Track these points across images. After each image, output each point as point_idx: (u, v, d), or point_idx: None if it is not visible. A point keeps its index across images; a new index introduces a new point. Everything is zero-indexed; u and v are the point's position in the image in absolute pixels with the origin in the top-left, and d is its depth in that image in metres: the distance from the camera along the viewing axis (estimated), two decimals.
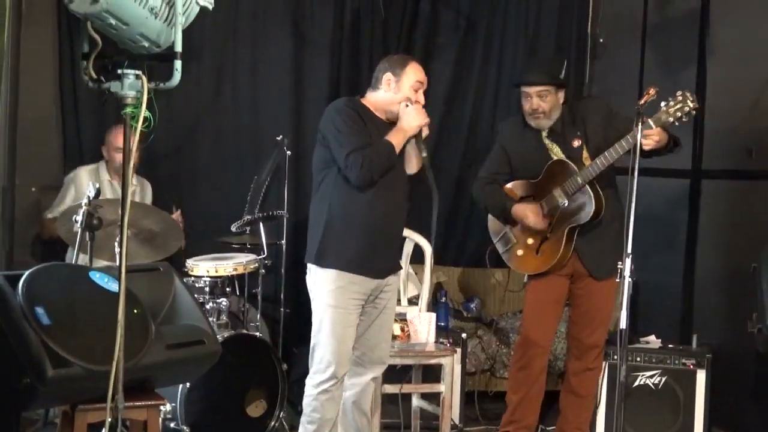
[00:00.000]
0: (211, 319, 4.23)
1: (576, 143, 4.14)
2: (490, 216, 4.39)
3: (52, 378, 2.62)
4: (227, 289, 4.63)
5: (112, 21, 2.41)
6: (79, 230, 3.62)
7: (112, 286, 2.90)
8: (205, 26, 5.25)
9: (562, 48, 5.88)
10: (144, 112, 2.53)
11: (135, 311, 2.87)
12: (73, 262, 3.90)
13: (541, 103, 4.14)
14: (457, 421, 4.54)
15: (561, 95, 4.20)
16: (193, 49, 5.13)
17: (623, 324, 3.33)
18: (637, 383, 4.43)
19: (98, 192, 3.70)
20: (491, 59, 5.91)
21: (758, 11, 4.79)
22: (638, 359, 4.45)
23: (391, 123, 3.70)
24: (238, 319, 4.80)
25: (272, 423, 4.34)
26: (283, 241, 4.97)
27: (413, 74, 3.71)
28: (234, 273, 4.55)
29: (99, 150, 4.87)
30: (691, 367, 4.40)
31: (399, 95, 3.69)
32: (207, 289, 4.46)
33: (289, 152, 5.02)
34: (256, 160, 5.35)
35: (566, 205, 4.10)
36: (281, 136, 5.04)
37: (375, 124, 3.69)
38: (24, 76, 4.80)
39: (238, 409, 4.24)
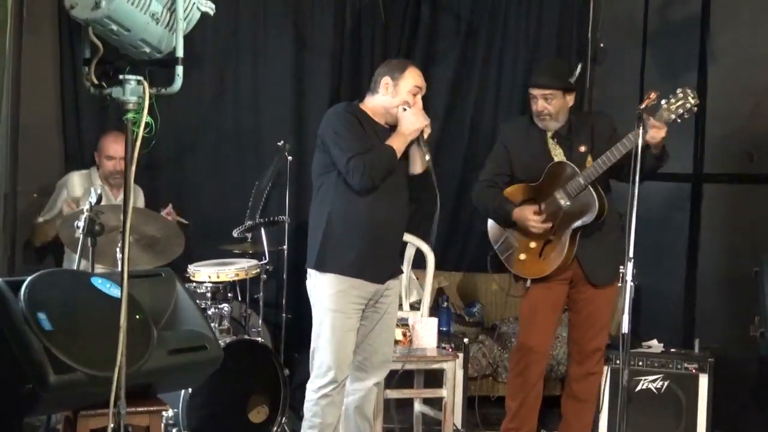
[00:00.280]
0: (212, 324, 4.23)
1: (582, 149, 4.13)
2: (490, 222, 4.37)
3: (54, 384, 2.62)
4: (229, 294, 4.64)
5: (114, 27, 2.42)
6: (81, 236, 3.63)
7: (114, 291, 2.90)
8: (206, 32, 5.25)
9: (562, 53, 5.89)
10: (145, 117, 2.53)
11: (137, 317, 2.87)
12: (75, 268, 3.90)
13: (547, 105, 4.14)
14: (459, 426, 4.54)
15: (569, 98, 4.18)
16: (194, 55, 5.13)
17: (625, 328, 3.33)
18: (639, 388, 4.43)
19: (100, 198, 3.70)
20: (492, 64, 5.91)
21: (758, 16, 4.79)
22: (640, 364, 4.44)
23: (391, 128, 3.71)
24: (240, 324, 4.80)
25: (274, 428, 4.33)
26: (285, 247, 4.97)
27: (411, 79, 3.71)
28: (236, 278, 4.56)
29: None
30: (694, 371, 4.39)
31: (397, 99, 3.69)
32: (209, 294, 4.47)
33: (290, 158, 5.02)
34: (258, 165, 5.36)
35: (568, 206, 4.09)
36: (282, 142, 5.04)
37: (374, 129, 3.70)
38: (25, 82, 4.80)
39: (240, 414, 4.24)
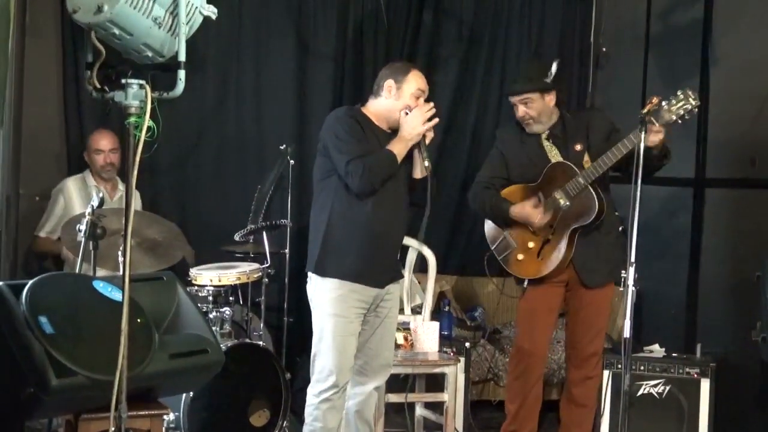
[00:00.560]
0: (214, 328, 4.23)
1: (578, 147, 4.13)
2: (487, 222, 4.36)
3: (55, 387, 2.62)
4: (231, 298, 4.64)
5: (116, 31, 2.43)
6: (83, 240, 3.63)
7: (116, 295, 2.90)
8: (208, 36, 5.26)
9: (565, 58, 5.88)
10: (148, 121, 2.53)
11: (138, 320, 2.87)
12: (77, 271, 3.91)
13: (527, 110, 4.14)
14: (461, 430, 4.54)
15: (549, 98, 4.16)
16: (196, 59, 5.14)
17: (627, 333, 3.33)
18: (640, 392, 4.42)
19: (102, 201, 3.70)
20: (494, 70, 5.92)
21: (761, 21, 4.79)
22: (642, 368, 4.43)
23: (393, 132, 3.71)
24: (242, 328, 4.80)
25: None
26: (287, 250, 4.97)
27: (415, 82, 3.71)
28: (237, 282, 4.56)
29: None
30: (695, 376, 4.38)
31: (400, 102, 3.68)
32: (210, 298, 4.47)
33: (292, 161, 5.02)
34: (260, 169, 5.37)
35: (568, 206, 4.09)
36: (284, 146, 5.04)
37: (375, 134, 3.69)
38: (28, 86, 4.82)
39: (241, 418, 4.24)
